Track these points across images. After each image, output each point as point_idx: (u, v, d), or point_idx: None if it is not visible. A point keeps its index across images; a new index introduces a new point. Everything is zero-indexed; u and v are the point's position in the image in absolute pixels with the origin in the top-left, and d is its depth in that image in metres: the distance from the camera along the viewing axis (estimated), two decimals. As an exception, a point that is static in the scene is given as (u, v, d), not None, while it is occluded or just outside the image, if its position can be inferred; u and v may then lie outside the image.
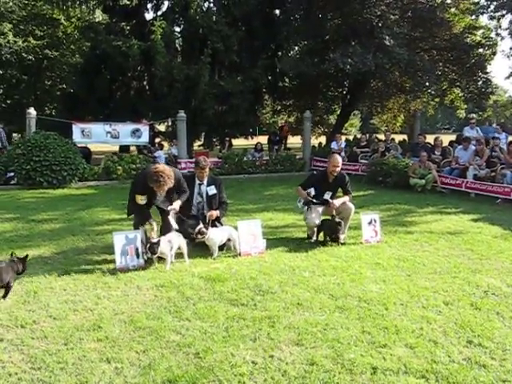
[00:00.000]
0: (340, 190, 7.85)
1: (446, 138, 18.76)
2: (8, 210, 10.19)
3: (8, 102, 31.29)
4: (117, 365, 3.71)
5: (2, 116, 27.56)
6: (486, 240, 7.69)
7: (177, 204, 6.57)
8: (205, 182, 7.36)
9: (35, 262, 6.38)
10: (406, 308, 4.83)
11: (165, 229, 6.61)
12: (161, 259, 6.28)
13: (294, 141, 30.53)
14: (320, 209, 7.58)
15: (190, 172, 14.54)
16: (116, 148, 23.30)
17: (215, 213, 7.19)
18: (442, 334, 4.24)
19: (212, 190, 7.34)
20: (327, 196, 7.60)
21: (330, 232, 7.40)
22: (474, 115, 19.82)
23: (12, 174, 14.10)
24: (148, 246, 6.10)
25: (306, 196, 7.61)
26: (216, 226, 7.04)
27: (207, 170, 7.37)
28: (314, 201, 7.60)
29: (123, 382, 3.48)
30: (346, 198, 7.70)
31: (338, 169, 7.67)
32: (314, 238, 7.63)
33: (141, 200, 6.41)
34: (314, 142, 24.54)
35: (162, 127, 26.63)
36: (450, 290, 5.39)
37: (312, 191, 7.63)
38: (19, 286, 5.42)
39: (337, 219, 7.35)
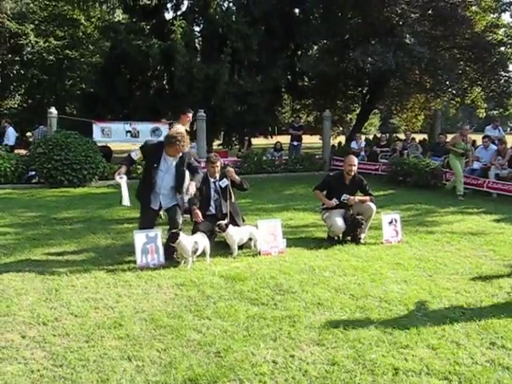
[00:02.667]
0: (359, 192, 7.79)
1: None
2: (30, 209, 10.29)
3: (29, 101, 31.65)
4: (138, 363, 3.73)
5: (22, 115, 27.86)
6: (509, 241, 7.61)
7: (192, 187, 6.41)
8: (217, 177, 7.40)
9: (56, 261, 6.45)
10: (428, 309, 4.80)
11: (171, 224, 6.58)
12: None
13: (312, 140, 30.37)
14: (341, 211, 7.54)
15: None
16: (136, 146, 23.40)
17: (232, 169, 7.48)
18: (465, 336, 4.20)
19: (224, 183, 7.36)
20: (345, 197, 7.56)
21: (351, 230, 7.39)
22: (495, 112, 19.58)
23: (33, 172, 14.23)
24: (169, 235, 6.16)
25: (330, 204, 7.55)
26: (237, 225, 7.04)
27: (218, 164, 7.41)
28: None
29: (144, 380, 3.49)
30: (367, 198, 7.65)
31: (354, 168, 7.62)
32: (337, 237, 7.60)
33: (135, 155, 6.57)
34: (333, 141, 24.36)
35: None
36: (472, 290, 5.33)
37: (335, 200, 7.59)
38: (41, 283, 5.49)
39: (358, 217, 7.33)
